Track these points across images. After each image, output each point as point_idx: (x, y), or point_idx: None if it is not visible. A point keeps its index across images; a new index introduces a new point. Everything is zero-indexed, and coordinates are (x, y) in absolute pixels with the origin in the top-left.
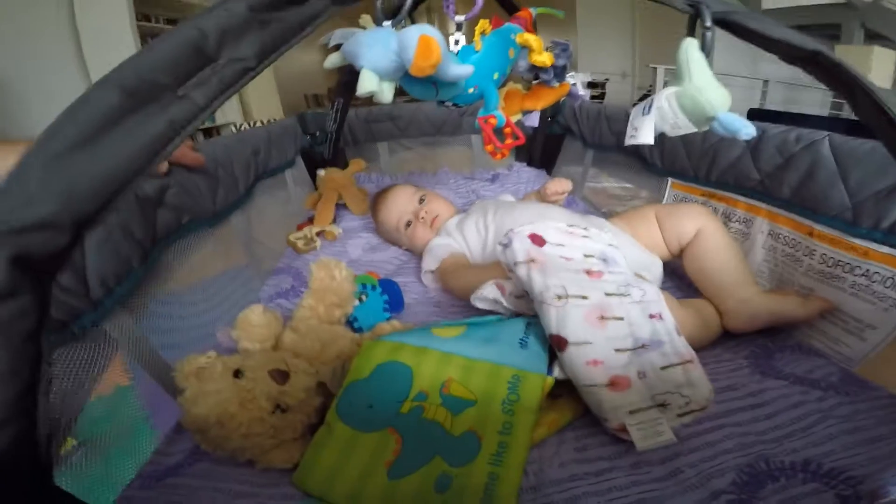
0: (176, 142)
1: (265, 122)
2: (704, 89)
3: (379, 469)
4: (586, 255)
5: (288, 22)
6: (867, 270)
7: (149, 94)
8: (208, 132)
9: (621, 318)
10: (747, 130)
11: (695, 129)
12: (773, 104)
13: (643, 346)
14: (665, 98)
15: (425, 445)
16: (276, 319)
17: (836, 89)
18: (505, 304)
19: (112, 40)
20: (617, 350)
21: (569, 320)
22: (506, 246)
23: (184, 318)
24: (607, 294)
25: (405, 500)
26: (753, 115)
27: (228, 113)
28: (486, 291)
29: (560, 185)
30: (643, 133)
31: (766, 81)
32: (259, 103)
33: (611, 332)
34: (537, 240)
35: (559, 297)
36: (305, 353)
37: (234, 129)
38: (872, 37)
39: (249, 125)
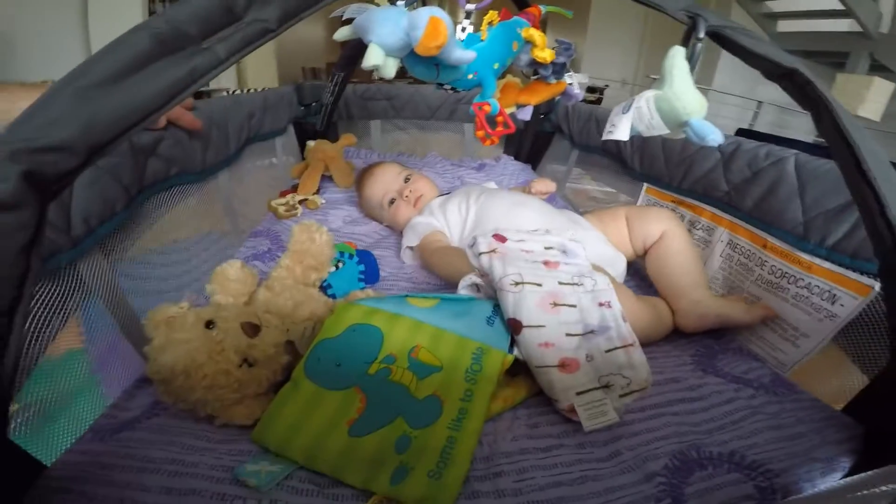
0: (193, 88)
1: (259, 90)
2: (682, 95)
3: (340, 426)
4: (546, 248)
5: None
6: (808, 283)
7: (177, 42)
8: (199, 95)
9: (573, 306)
10: (714, 137)
11: (668, 132)
12: (763, 126)
13: (592, 332)
14: (644, 100)
15: (389, 406)
16: (252, 276)
17: (805, 107)
18: (483, 292)
19: (119, 5)
20: (568, 334)
21: (524, 305)
22: (471, 246)
23: (158, 269)
24: (561, 283)
25: (364, 457)
26: (741, 134)
27: (222, 79)
28: (469, 280)
29: (545, 186)
30: (620, 130)
31: (759, 103)
32: (256, 71)
33: (563, 318)
34: (499, 237)
35: (516, 284)
36: (277, 311)
37: (227, 95)
38: (877, 68)
39: (243, 92)
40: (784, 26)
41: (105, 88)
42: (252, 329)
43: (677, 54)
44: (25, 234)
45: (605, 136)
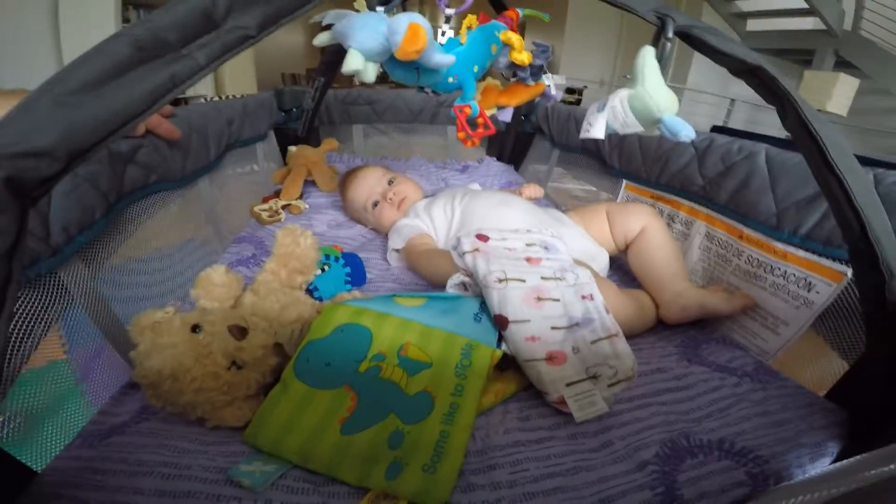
0: (173, 94)
1: (237, 97)
2: (654, 93)
3: (332, 425)
4: (528, 245)
5: None
6: (784, 272)
7: (156, 49)
8: (176, 102)
9: (557, 300)
10: (687, 132)
11: (642, 129)
12: (737, 123)
13: (577, 325)
14: (618, 99)
15: (381, 403)
16: (237, 281)
17: (771, 101)
18: (470, 291)
19: (91, 13)
20: (553, 328)
21: (508, 301)
22: (454, 247)
23: (141, 276)
24: (543, 278)
25: (358, 454)
26: (715, 131)
27: (199, 86)
28: (457, 279)
29: (533, 192)
30: (595, 128)
31: (732, 101)
32: (234, 78)
33: (547, 312)
34: (482, 237)
35: (500, 280)
36: (264, 314)
37: (204, 101)
38: (842, 64)
39: (221, 99)
40: (753, 25)
41: (85, 95)
42: (239, 332)
43: (647, 54)
44: (6, 240)
45: (581, 135)
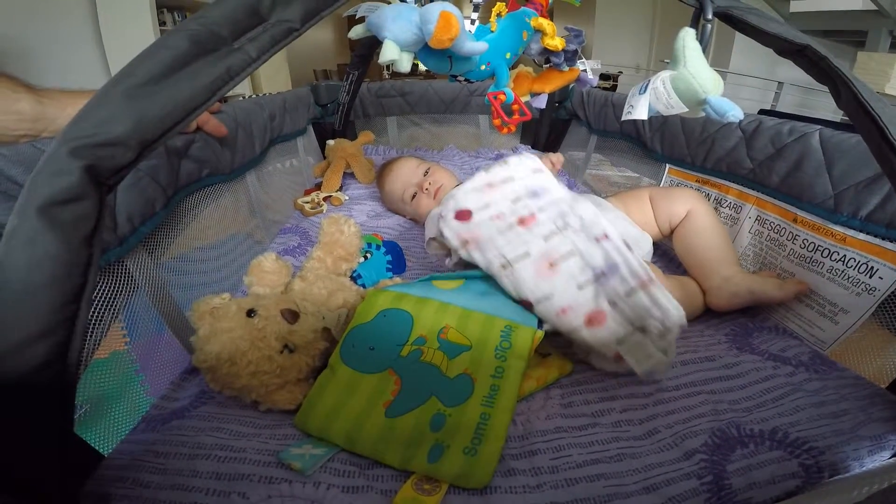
0: (230, 85)
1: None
2: (697, 73)
3: (377, 408)
4: (514, 201)
5: None
6: (844, 256)
7: (211, 43)
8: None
9: (572, 252)
10: (734, 113)
11: (686, 110)
12: (785, 107)
13: (603, 274)
14: (661, 80)
15: (422, 386)
16: (287, 268)
17: (823, 82)
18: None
19: (129, 17)
20: (579, 287)
21: (522, 283)
22: (434, 239)
23: (196, 265)
24: (546, 238)
25: (401, 437)
26: (764, 114)
27: (238, 85)
28: (455, 258)
29: (556, 159)
30: (638, 110)
31: (780, 84)
32: (269, 77)
33: (566, 275)
34: (464, 215)
35: (504, 266)
36: (313, 300)
37: (242, 99)
38: None
39: (258, 97)
40: (797, 6)
41: (151, 87)
42: (291, 315)
43: (687, 35)
44: (88, 224)
45: (623, 117)
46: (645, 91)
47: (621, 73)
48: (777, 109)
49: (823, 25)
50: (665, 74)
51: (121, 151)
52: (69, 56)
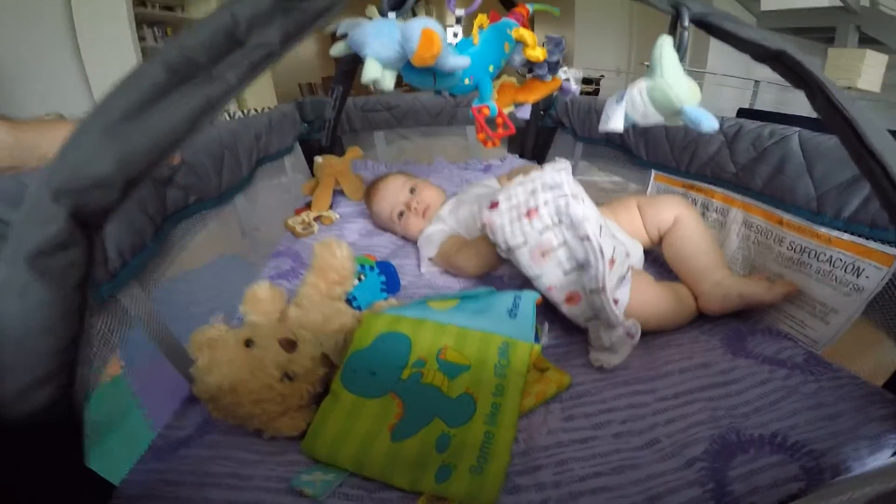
0: (211, 115)
1: (259, 110)
2: (674, 84)
3: (383, 432)
4: (532, 192)
5: (308, 10)
6: (830, 257)
7: (189, 72)
8: None
9: (563, 244)
10: (709, 123)
11: (662, 120)
12: (763, 105)
13: (582, 267)
14: (637, 90)
15: (425, 408)
16: (281, 295)
17: (798, 86)
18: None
19: (107, 33)
20: (565, 273)
21: (520, 264)
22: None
23: (188, 294)
24: (541, 231)
25: (408, 459)
26: (743, 114)
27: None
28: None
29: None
30: (614, 120)
31: (757, 82)
32: (253, 92)
33: (554, 262)
34: (494, 205)
35: (509, 249)
36: (309, 326)
37: (227, 116)
38: (866, 41)
39: (244, 113)
40: (767, 4)
41: (130, 123)
42: (289, 344)
43: (665, 44)
44: (79, 271)
45: (600, 128)
46: (621, 101)
47: (603, 76)
48: (755, 108)
49: (794, 23)
50: (642, 84)
51: (106, 192)
52: (48, 73)
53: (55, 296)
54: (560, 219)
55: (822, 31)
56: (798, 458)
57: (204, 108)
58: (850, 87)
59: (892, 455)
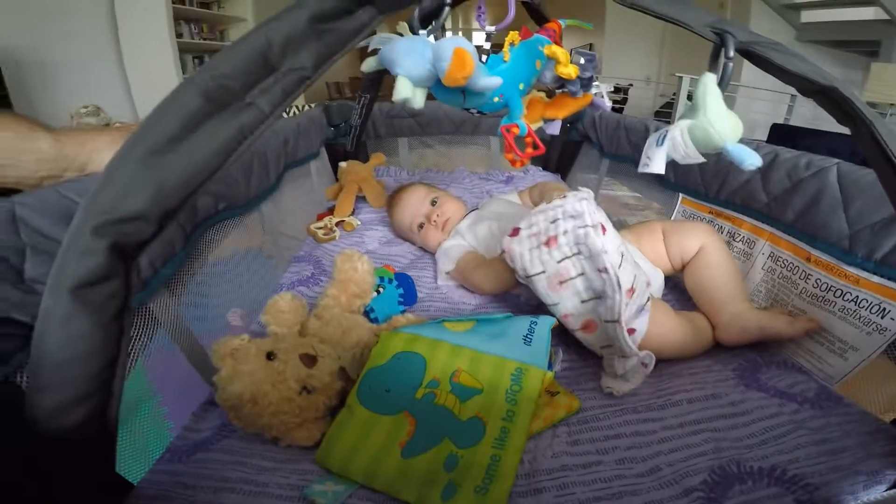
0: (244, 145)
1: (287, 110)
2: (716, 122)
3: (394, 449)
4: (552, 221)
5: (341, 32)
6: (856, 297)
7: (223, 98)
8: None
9: (580, 274)
10: (752, 161)
11: (703, 160)
12: (798, 119)
13: (599, 297)
14: (679, 130)
15: (436, 428)
16: (302, 307)
17: (844, 123)
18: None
19: (147, 29)
20: (582, 301)
21: (538, 290)
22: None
23: (211, 297)
24: (560, 261)
25: (417, 475)
26: (777, 130)
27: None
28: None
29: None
30: (655, 163)
31: (793, 96)
32: None
33: (571, 291)
34: (515, 232)
35: (527, 277)
36: (328, 339)
37: None
38: None
39: None
40: (808, 17)
41: (166, 154)
42: (309, 360)
43: (709, 81)
44: (118, 302)
45: (641, 169)
46: (662, 143)
47: (631, 85)
48: (790, 123)
49: (835, 35)
50: (683, 124)
51: (143, 226)
52: (88, 68)
53: (96, 324)
54: (579, 249)
55: (864, 44)
56: (794, 490)
57: (238, 140)
58: (892, 105)
59: (887, 490)
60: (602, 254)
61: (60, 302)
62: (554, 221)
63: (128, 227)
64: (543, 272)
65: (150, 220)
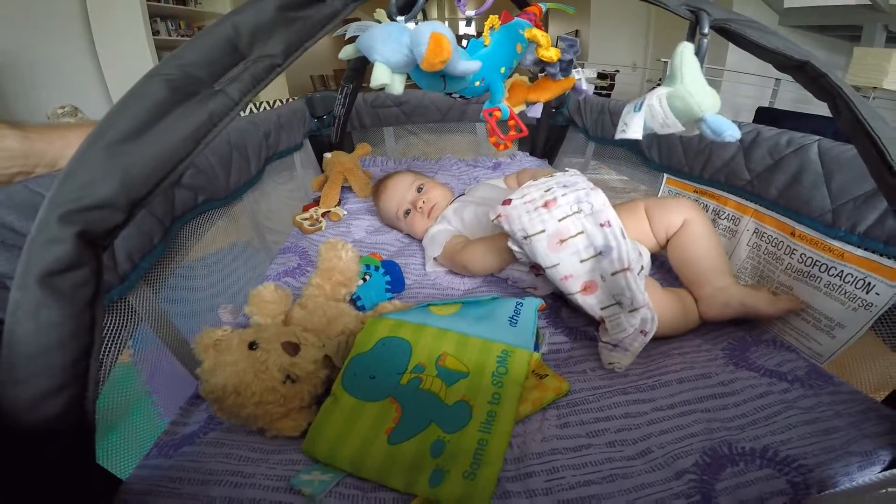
0: (215, 132)
1: (271, 102)
2: (695, 91)
3: (380, 435)
4: (546, 190)
5: (311, 20)
6: (841, 271)
7: (190, 88)
8: None
9: (580, 232)
10: (731, 132)
11: (682, 129)
12: (783, 103)
13: (600, 254)
14: (657, 97)
15: (422, 414)
16: (286, 296)
17: (822, 98)
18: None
19: (122, 27)
20: (581, 261)
21: (537, 252)
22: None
23: (196, 291)
24: (561, 219)
25: (404, 462)
26: (762, 113)
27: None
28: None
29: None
30: (632, 129)
31: (777, 80)
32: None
33: (572, 249)
34: (506, 202)
35: (525, 238)
36: (312, 328)
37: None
38: (894, 39)
39: (255, 106)
40: (791, 2)
41: (132, 142)
42: (292, 348)
43: (686, 50)
44: (88, 289)
45: (617, 136)
46: (640, 109)
47: (618, 71)
48: (775, 106)
49: (818, 20)
50: (661, 91)
51: (110, 213)
52: (64, 67)
53: (67, 314)
54: (580, 208)
55: (847, 29)
56: (787, 472)
57: (207, 126)
58: (875, 87)
59: (882, 470)
60: (605, 207)
61: (29, 291)
62: (549, 190)
63: (94, 215)
64: (544, 231)
65: (117, 208)
